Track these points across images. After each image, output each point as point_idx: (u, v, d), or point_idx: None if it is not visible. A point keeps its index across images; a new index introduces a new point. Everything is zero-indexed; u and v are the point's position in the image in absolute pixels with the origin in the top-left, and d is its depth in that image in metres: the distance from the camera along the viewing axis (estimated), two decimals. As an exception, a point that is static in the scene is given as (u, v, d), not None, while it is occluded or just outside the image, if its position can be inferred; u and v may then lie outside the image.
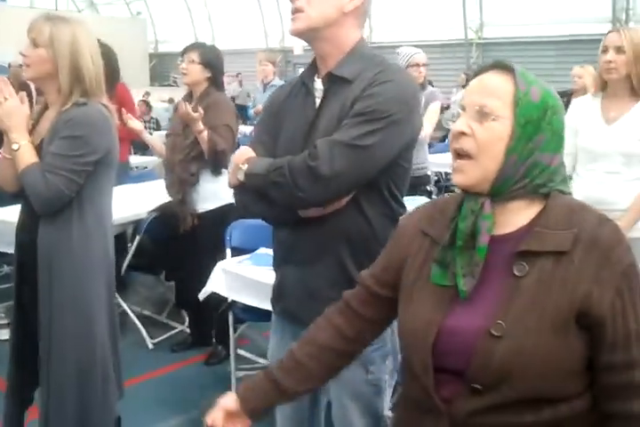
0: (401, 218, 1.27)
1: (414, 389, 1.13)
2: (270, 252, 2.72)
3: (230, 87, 7.56)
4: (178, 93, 15.86)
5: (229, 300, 2.71)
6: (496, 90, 1.06)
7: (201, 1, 19.64)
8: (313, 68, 1.62)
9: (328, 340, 1.28)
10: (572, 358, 1.01)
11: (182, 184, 3.17)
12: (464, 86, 10.04)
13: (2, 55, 15.10)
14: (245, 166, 1.52)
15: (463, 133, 1.06)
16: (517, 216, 1.08)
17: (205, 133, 3.05)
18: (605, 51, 2.41)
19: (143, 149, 8.19)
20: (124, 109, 3.43)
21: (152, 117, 9.53)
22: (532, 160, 1.05)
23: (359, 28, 1.59)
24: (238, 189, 1.57)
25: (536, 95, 1.06)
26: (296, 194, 1.43)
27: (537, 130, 1.05)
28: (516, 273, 1.03)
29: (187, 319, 3.68)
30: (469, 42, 15.86)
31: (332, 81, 1.55)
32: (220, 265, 2.62)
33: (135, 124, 3.43)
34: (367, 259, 1.53)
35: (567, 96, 4.99)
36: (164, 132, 8.09)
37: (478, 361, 1.02)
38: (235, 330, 2.92)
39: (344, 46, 1.55)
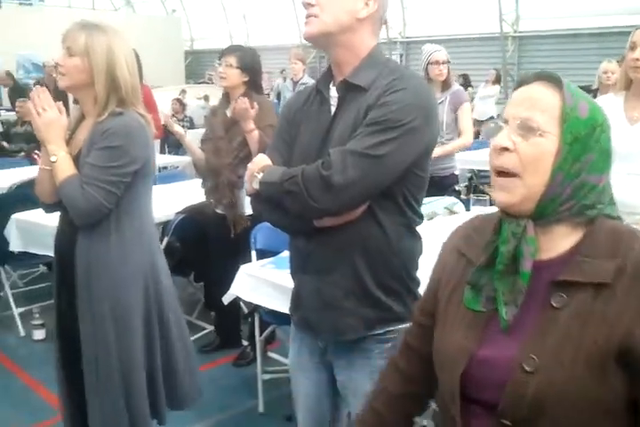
0: (444, 242, 1.22)
1: (444, 417, 1.09)
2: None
3: (274, 84, 7.55)
4: (213, 91, 15.95)
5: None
6: (542, 103, 0.99)
7: (235, -2, 19.75)
8: (328, 76, 1.62)
9: (395, 385, 1.23)
10: (610, 398, 0.94)
11: (232, 188, 3.17)
12: (494, 82, 9.88)
13: (40, 56, 15.41)
14: (260, 175, 1.52)
15: (505, 149, 0.99)
16: (560, 241, 1.01)
17: (256, 133, 3.05)
18: (633, 48, 2.33)
19: (177, 147, 8.28)
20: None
21: (186, 116, 9.60)
22: (579, 180, 0.98)
23: (374, 35, 1.58)
24: (254, 197, 1.58)
25: (584, 111, 0.99)
26: (309, 203, 1.42)
27: (585, 149, 0.98)
28: (554, 304, 0.97)
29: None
30: (505, 35, 15.59)
31: (347, 89, 1.54)
32: (243, 269, 2.63)
33: (177, 128, 3.43)
34: (383, 269, 1.54)
35: (593, 92, 4.86)
36: (198, 130, 8.22)
37: (510, 397, 0.96)
38: (262, 332, 2.93)
39: (359, 53, 1.54)
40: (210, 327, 3.69)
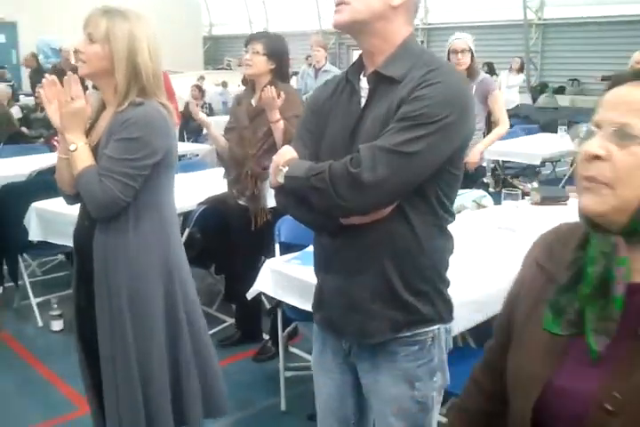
0: (525, 255, 1.10)
1: None
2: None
3: (300, 71, 7.48)
4: (232, 77, 15.95)
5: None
6: None
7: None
8: (359, 65, 1.53)
9: (476, 403, 1.15)
10: None
11: (255, 179, 3.09)
12: (518, 71, 9.68)
13: (60, 40, 15.38)
14: (286, 168, 1.44)
15: (598, 157, 0.87)
16: None
17: (282, 123, 2.96)
18: None
19: (196, 134, 8.21)
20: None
21: (205, 102, 9.52)
22: None
23: (409, 23, 1.48)
24: (278, 190, 1.50)
25: None
26: (336, 201, 1.34)
27: None
28: None
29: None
30: (529, 23, 15.32)
31: (379, 80, 1.45)
32: (268, 264, 2.55)
33: (203, 117, 3.32)
34: (412, 270, 1.46)
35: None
36: (217, 118, 8.13)
37: None
38: (285, 328, 2.85)
39: (392, 42, 1.45)
40: (230, 320, 3.62)
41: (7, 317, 3.74)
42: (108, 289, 1.93)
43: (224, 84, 14.91)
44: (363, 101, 1.47)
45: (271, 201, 3.05)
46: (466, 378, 1.19)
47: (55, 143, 6.70)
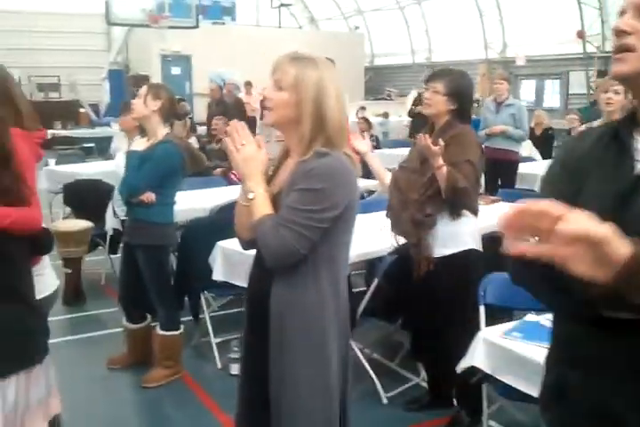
0: None
1: None
2: (542, 321, 2.35)
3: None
4: (392, 108, 15.91)
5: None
6: None
7: (418, 13, 19.49)
8: (631, 120, 1.23)
9: None
10: None
11: (417, 226, 2.86)
12: None
13: (230, 73, 16.18)
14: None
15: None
16: None
17: (444, 169, 2.73)
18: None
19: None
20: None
21: (372, 135, 9.41)
22: None
23: None
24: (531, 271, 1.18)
25: None
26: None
27: None
28: None
29: (422, 371, 3.36)
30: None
31: None
32: (482, 334, 2.26)
33: (361, 145, 3.08)
34: None
35: None
36: (383, 151, 7.99)
37: None
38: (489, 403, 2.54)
39: None
40: (416, 379, 3.34)
41: (186, 354, 3.71)
42: (282, 341, 1.85)
43: (385, 115, 14.89)
44: (638, 167, 1.18)
45: (439, 250, 2.85)
46: None
47: (232, 177, 6.87)
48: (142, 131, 3.76)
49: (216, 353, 3.71)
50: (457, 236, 2.86)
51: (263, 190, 1.82)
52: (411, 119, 11.42)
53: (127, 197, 3.45)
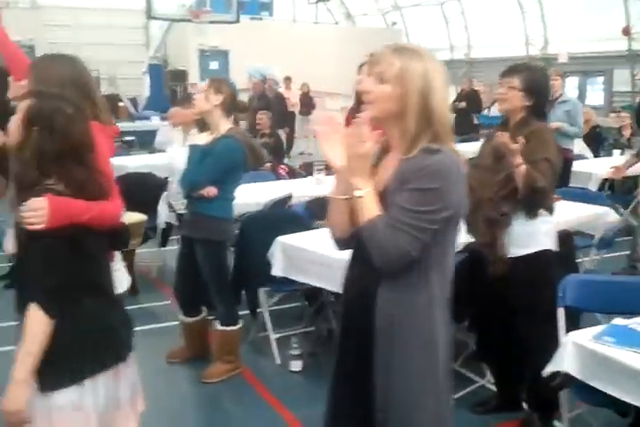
0: None
1: None
2: (631, 325, 2.27)
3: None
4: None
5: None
6: None
7: (457, 9, 19.25)
8: None
9: None
10: None
11: (492, 225, 2.79)
12: None
13: (267, 68, 16.17)
14: None
15: None
16: None
17: (523, 168, 2.65)
18: None
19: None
20: None
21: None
22: None
23: None
24: None
25: None
26: None
27: None
28: None
29: (487, 373, 3.29)
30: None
31: None
32: (572, 338, 2.18)
33: None
34: None
35: None
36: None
37: None
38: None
39: None
40: (481, 381, 3.27)
41: (243, 349, 3.68)
42: (391, 351, 1.76)
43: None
44: None
45: (514, 250, 2.76)
46: None
47: (281, 171, 6.83)
48: (200, 125, 3.75)
49: (275, 349, 3.68)
50: (533, 235, 2.79)
51: (371, 189, 1.72)
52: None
53: (188, 190, 3.43)
